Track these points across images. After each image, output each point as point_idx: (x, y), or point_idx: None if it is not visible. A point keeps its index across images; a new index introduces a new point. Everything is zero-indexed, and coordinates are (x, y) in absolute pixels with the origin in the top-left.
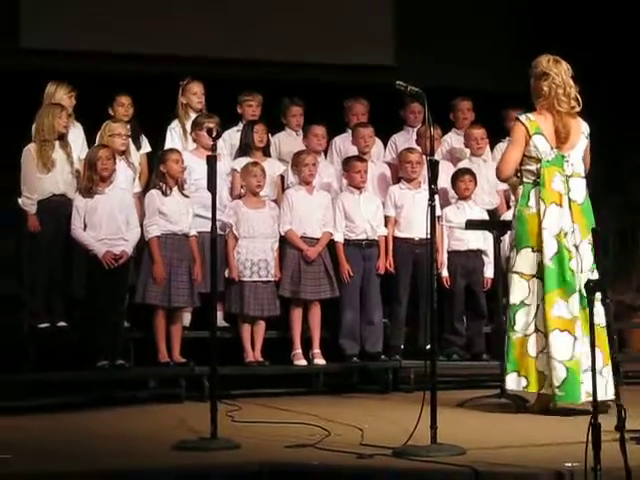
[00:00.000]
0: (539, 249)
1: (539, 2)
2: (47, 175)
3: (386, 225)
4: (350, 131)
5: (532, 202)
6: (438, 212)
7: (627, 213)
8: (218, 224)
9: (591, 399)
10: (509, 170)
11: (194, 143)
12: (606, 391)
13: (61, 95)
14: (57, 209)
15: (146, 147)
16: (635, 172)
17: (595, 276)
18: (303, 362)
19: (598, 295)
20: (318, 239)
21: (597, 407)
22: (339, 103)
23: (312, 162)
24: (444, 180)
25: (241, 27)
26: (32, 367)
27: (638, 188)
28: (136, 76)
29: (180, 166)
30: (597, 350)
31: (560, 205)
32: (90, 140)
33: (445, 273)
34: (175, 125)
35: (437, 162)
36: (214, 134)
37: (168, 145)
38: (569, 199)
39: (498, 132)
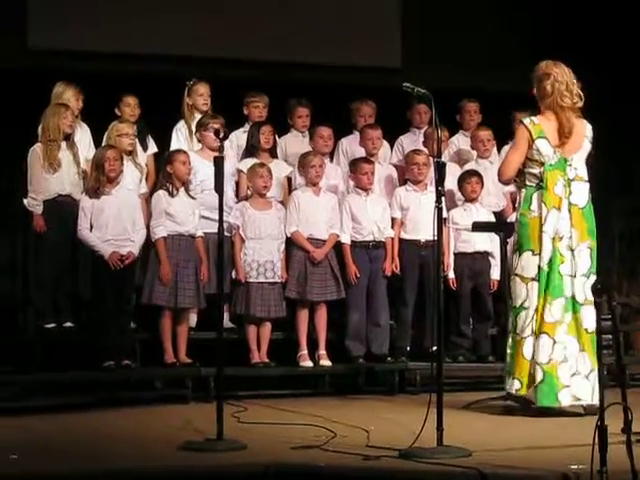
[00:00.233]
0: (539, 252)
1: (547, 3)
2: (53, 175)
3: (392, 227)
4: (357, 133)
5: (534, 206)
6: (444, 214)
7: (633, 215)
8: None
9: (578, 402)
10: (510, 172)
11: (199, 144)
12: (592, 397)
13: (69, 96)
14: (63, 209)
15: (153, 148)
16: None
17: (591, 281)
18: (309, 363)
19: (590, 299)
20: (324, 241)
21: (603, 410)
22: (345, 105)
23: (318, 163)
24: (451, 182)
25: (247, 28)
26: (38, 367)
27: None
28: (142, 77)
29: (187, 167)
30: (585, 355)
31: (559, 209)
32: (97, 141)
33: (451, 275)
34: (181, 126)
35: (444, 164)
36: (221, 135)
37: (174, 146)
38: (569, 203)
39: (505, 134)
